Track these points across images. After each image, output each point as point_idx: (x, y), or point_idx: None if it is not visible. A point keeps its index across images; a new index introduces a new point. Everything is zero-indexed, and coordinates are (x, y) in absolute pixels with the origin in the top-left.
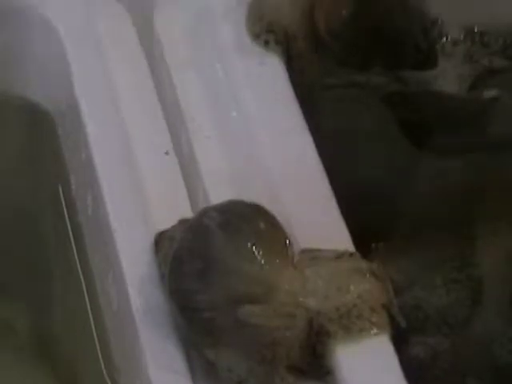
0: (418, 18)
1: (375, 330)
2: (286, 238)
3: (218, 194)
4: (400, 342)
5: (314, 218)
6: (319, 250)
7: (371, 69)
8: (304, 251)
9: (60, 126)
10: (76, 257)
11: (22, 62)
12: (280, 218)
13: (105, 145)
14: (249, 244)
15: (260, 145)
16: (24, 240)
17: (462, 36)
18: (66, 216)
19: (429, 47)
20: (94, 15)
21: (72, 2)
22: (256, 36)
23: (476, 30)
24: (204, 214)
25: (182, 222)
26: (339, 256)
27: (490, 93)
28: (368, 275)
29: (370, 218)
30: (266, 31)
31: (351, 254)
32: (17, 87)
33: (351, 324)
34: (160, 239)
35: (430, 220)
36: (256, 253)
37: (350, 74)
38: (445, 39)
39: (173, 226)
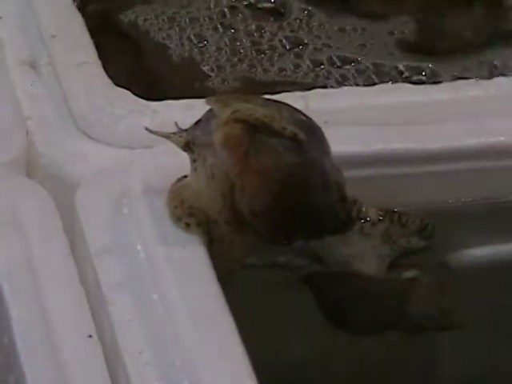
0: (337, 190)
1: None
2: None
3: (140, 378)
4: None
5: None
6: None
7: (295, 242)
8: None
9: None
10: None
11: None
12: None
13: (27, 329)
14: None
15: (181, 328)
16: None
17: (380, 217)
18: None
19: (346, 214)
20: (16, 197)
21: None
22: (177, 219)
23: (395, 211)
24: None
25: None
26: None
27: (408, 273)
28: None
29: None
30: (188, 215)
31: None
32: None
33: None
34: None
35: None
36: None
37: (271, 255)
38: (363, 220)
39: None
